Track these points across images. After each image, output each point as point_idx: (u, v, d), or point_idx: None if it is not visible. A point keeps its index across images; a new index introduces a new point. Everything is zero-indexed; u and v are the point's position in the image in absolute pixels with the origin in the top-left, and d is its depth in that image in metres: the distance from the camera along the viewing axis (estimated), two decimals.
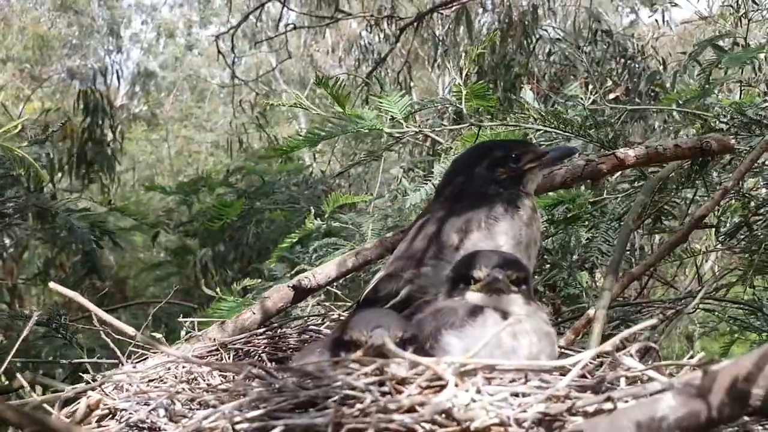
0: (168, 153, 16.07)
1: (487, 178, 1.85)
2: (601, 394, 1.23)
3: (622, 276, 2.40)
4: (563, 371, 1.30)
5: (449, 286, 1.71)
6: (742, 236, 2.87)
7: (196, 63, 19.35)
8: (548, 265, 3.52)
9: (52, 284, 1.65)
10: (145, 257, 10.28)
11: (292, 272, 3.23)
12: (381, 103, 2.61)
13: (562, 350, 1.93)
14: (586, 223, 3.28)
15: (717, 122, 2.88)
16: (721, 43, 4.73)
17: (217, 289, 3.16)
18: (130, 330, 1.44)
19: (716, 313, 3.96)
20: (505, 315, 1.63)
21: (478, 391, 1.23)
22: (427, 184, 2.80)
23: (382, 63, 10.05)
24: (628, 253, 3.72)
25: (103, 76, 12.38)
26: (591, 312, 2.19)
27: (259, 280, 3.61)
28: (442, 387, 1.27)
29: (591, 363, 1.58)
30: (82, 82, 15.18)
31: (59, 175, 8.19)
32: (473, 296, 1.66)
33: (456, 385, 1.24)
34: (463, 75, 2.72)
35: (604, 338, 1.95)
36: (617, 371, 1.40)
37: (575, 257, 3.32)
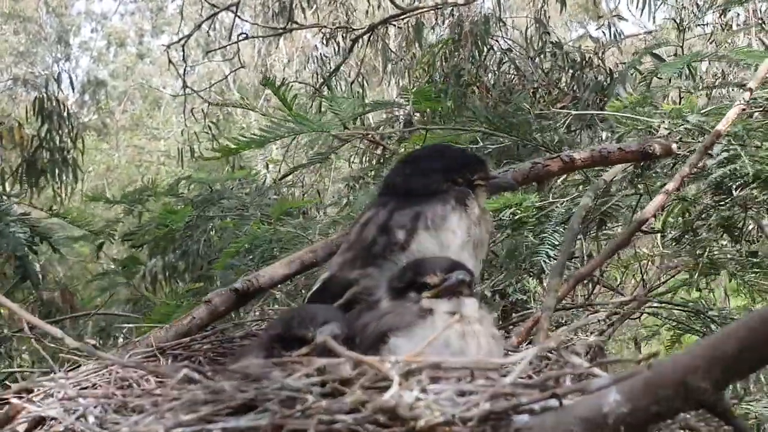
0: (118, 162, 15.76)
1: (438, 177, 1.81)
2: (546, 391, 1.20)
3: (568, 278, 2.41)
4: (509, 369, 1.28)
5: (395, 294, 1.67)
6: (687, 241, 2.91)
7: (147, 72, 19.04)
8: (497, 270, 3.52)
9: None
10: (93, 268, 10.05)
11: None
12: (330, 105, 2.59)
13: (508, 352, 1.90)
14: (533, 228, 3.28)
15: (659, 128, 2.91)
16: (660, 52, 4.84)
17: (160, 294, 3.09)
18: (57, 332, 1.37)
19: (659, 317, 4.01)
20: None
21: (423, 390, 1.19)
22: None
23: (335, 73, 10.01)
24: (577, 258, 3.74)
25: (57, 83, 12.04)
26: (538, 313, 2.19)
27: (202, 284, 3.53)
28: (387, 387, 1.23)
29: (536, 362, 1.56)
30: (29, 90, 14.81)
31: (8, 182, 7.95)
32: (428, 303, 1.61)
33: (400, 385, 1.20)
34: (412, 78, 2.71)
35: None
36: (562, 369, 1.38)
37: (522, 263, 3.31)
